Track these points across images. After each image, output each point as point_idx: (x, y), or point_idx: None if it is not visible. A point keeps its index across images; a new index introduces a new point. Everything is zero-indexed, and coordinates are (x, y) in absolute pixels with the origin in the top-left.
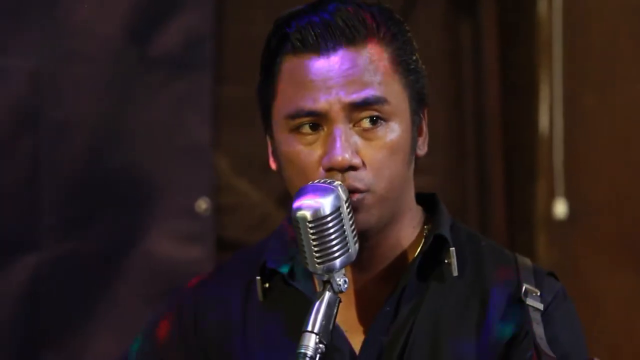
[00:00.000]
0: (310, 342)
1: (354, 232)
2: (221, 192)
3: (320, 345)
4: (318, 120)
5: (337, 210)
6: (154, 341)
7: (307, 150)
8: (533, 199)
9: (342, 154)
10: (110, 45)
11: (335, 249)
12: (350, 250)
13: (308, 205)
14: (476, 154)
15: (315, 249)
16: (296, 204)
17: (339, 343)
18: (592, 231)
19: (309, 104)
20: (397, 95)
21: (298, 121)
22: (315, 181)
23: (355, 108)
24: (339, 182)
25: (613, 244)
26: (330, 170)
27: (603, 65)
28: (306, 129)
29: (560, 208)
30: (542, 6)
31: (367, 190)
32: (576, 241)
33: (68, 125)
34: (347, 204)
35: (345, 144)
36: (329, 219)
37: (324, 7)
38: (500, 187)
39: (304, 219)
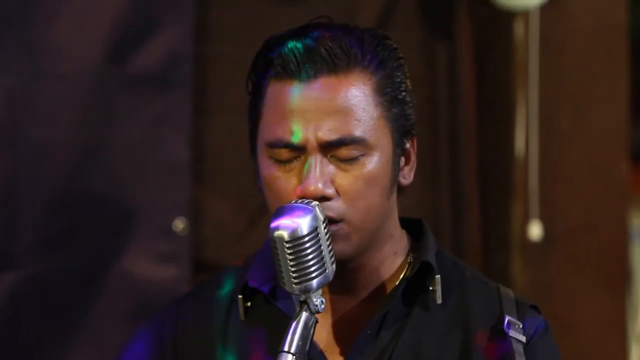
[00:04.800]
0: None
1: (332, 253)
2: (198, 211)
3: None
4: (296, 151)
5: (314, 230)
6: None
7: (284, 177)
8: (508, 220)
9: (315, 184)
10: (88, 64)
11: (312, 269)
12: (327, 271)
13: (285, 225)
14: (451, 174)
15: (293, 269)
16: (274, 224)
17: None
18: (567, 253)
19: (287, 137)
20: (377, 129)
21: (277, 151)
22: (293, 201)
23: (330, 145)
24: (317, 203)
25: (588, 265)
26: (303, 199)
27: (579, 87)
28: (284, 157)
29: (535, 229)
30: (518, 27)
31: (340, 220)
32: (551, 262)
33: (45, 144)
34: (324, 225)
35: (319, 175)
36: (306, 239)
37: (307, 33)
38: (475, 208)
39: (281, 238)
